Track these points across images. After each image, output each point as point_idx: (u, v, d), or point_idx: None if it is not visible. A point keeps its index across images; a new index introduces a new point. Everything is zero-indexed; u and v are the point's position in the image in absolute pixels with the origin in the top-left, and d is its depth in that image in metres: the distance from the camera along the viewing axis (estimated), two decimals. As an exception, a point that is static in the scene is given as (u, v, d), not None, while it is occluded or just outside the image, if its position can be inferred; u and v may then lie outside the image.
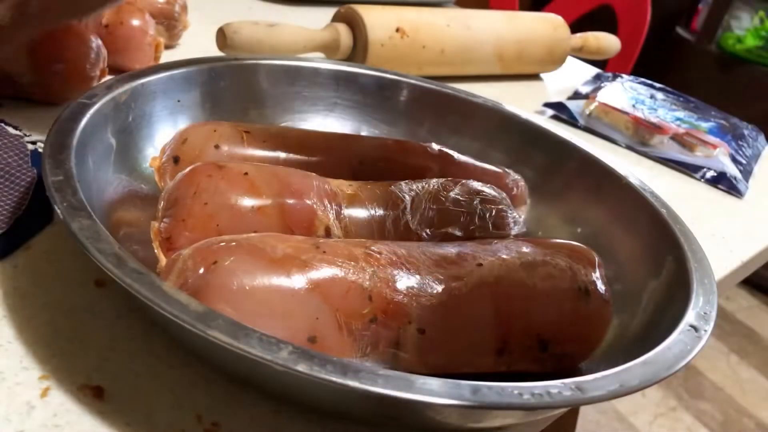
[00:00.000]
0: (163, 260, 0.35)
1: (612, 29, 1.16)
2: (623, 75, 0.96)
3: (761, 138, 0.88)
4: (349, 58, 0.74)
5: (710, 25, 2.16)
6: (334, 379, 0.27)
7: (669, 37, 2.26)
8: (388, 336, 0.32)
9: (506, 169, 0.51)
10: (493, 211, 0.42)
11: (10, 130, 0.49)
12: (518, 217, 0.43)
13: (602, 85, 0.88)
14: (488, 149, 0.57)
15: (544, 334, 0.35)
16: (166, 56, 0.64)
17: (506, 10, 0.93)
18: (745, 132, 0.85)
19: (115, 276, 0.29)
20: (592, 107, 0.80)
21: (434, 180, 0.43)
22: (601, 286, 0.37)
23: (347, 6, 0.74)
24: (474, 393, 0.28)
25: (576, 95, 0.86)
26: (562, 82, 0.93)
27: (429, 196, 0.41)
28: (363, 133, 0.57)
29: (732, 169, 0.74)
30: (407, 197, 0.41)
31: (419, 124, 0.58)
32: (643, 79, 0.95)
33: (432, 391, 0.28)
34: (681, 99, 0.90)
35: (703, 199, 0.69)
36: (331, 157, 0.45)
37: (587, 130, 0.79)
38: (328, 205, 0.39)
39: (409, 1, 0.90)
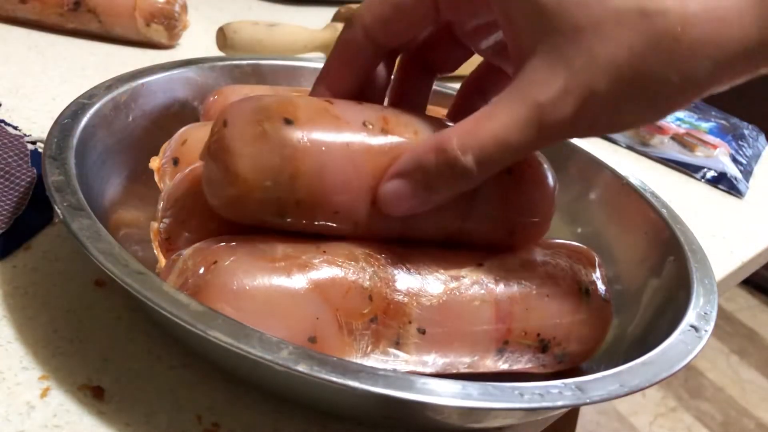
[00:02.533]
0: (162, 260, 0.35)
1: (612, 29, 1.16)
2: (623, 75, 0.95)
3: (761, 138, 0.88)
4: (349, 58, 0.73)
5: (710, 25, 2.16)
6: (334, 379, 0.27)
7: (669, 37, 2.25)
8: (388, 336, 0.32)
9: (506, 169, 0.51)
10: (494, 211, 0.42)
11: (10, 130, 0.49)
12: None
13: (602, 85, 0.88)
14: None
15: (544, 334, 0.35)
16: (167, 56, 0.64)
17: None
18: (745, 132, 0.85)
19: (115, 276, 0.29)
20: (592, 107, 0.80)
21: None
22: (601, 286, 0.37)
23: (347, 6, 0.74)
24: (474, 393, 0.28)
25: (576, 95, 0.86)
26: (562, 82, 0.92)
27: (429, 196, 0.41)
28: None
29: (732, 170, 0.74)
30: (407, 197, 0.41)
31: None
32: (643, 79, 0.95)
33: (432, 391, 0.28)
34: (681, 99, 0.90)
35: (703, 199, 0.69)
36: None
37: (587, 130, 0.79)
38: (328, 205, 0.39)
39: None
